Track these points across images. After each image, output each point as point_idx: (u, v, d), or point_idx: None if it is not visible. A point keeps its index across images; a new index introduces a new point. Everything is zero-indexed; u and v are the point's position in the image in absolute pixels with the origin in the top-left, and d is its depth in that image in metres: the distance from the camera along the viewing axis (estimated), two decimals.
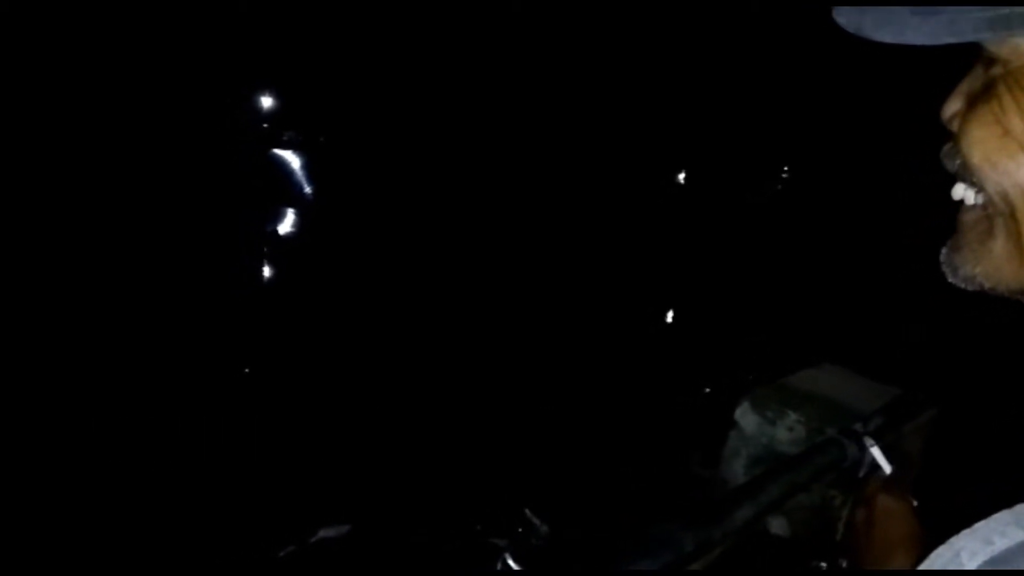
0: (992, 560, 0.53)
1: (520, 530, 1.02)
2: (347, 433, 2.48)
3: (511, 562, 1.00)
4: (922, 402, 1.53)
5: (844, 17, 0.64)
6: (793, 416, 1.46)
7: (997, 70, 0.63)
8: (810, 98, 3.09)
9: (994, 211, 0.65)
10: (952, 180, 0.68)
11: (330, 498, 2.34)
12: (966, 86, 0.66)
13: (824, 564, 1.38)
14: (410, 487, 2.38)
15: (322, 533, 2.17)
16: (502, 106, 2.73)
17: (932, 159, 0.70)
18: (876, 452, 1.18)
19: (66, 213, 2.25)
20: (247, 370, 2.49)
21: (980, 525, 0.56)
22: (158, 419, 2.28)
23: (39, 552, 2.06)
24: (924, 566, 0.58)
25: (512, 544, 1.01)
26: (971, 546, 0.55)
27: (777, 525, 1.43)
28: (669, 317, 3.26)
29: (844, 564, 1.33)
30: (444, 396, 2.60)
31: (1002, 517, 0.56)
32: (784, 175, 3.33)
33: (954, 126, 0.66)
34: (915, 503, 1.05)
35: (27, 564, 2.03)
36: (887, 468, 1.17)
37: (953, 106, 0.67)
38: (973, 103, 0.64)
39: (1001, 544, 0.54)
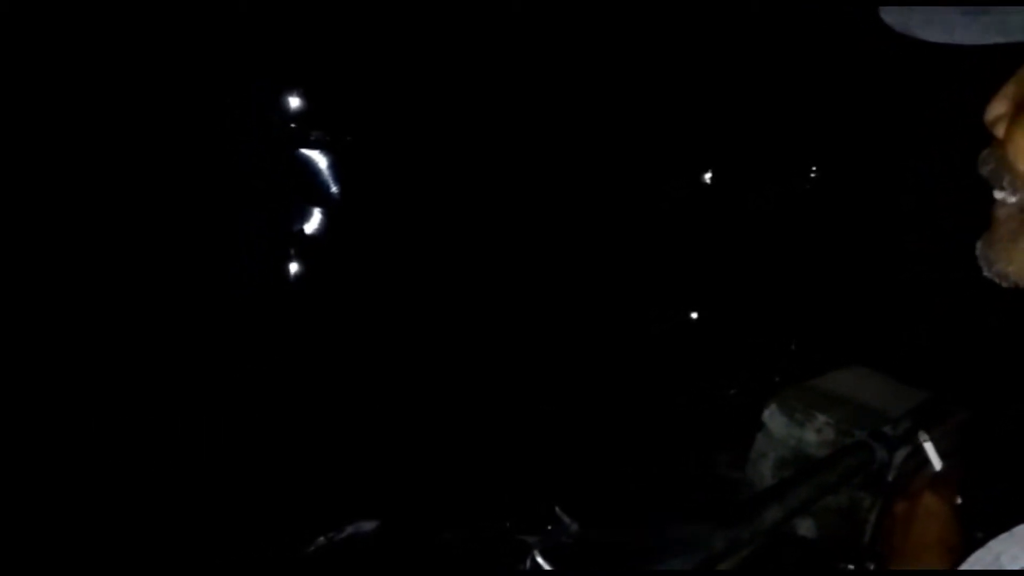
0: None
1: (549, 528, 1.01)
2: (376, 429, 2.49)
3: (540, 560, 1.00)
4: (953, 405, 1.52)
5: (891, 16, 0.63)
6: (822, 418, 1.44)
7: None
8: (839, 98, 3.07)
9: None
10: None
11: (359, 494, 2.35)
12: (1011, 89, 0.64)
13: (852, 566, 1.37)
14: (439, 483, 2.39)
15: (350, 529, 2.18)
16: (529, 106, 2.73)
17: (968, 159, 0.69)
18: (929, 447, 1.15)
19: (95, 211, 2.28)
20: (276, 362, 2.51)
21: (1019, 529, 0.56)
22: (187, 414, 2.31)
23: (72, 546, 2.09)
24: (964, 569, 0.57)
25: (541, 541, 1.01)
26: (1012, 550, 0.54)
27: (805, 527, 1.43)
28: (697, 318, 3.25)
29: (871, 567, 1.32)
30: (474, 392, 2.61)
31: None
32: (812, 174, 3.31)
33: (998, 131, 0.64)
34: (959, 501, 1.03)
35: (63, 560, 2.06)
36: (937, 464, 1.13)
37: (998, 109, 0.65)
38: (1020, 108, 0.63)
39: None
